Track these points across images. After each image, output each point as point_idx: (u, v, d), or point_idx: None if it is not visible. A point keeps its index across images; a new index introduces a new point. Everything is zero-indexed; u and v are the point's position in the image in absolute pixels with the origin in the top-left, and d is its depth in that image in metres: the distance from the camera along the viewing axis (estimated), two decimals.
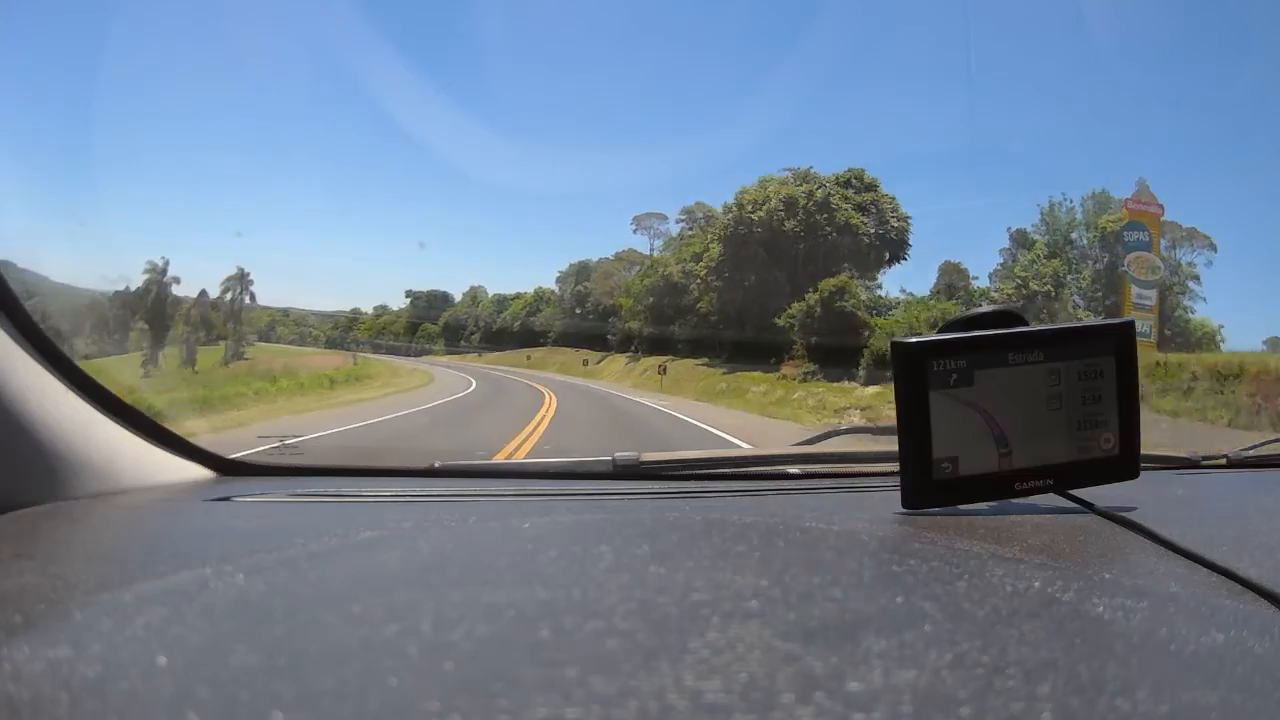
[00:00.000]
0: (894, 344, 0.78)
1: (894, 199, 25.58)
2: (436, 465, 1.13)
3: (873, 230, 24.64)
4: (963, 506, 0.80)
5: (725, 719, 0.28)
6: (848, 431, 1.43)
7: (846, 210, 24.52)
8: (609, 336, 35.17)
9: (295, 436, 1.35)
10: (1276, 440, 1.28)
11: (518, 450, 7.30)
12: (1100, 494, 0.83)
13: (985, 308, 0.82)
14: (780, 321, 22.47)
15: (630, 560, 0.48)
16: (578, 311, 40.45)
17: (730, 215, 26.30)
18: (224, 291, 38.13)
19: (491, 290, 50.54)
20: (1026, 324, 0.81)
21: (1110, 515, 0.79)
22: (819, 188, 25.15)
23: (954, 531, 0.72)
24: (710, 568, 0.47)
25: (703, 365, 25.33)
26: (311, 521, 0.86)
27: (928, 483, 0.78)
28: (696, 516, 0.79)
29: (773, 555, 0.53)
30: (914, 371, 0.77)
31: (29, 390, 0.84)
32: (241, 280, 38.58)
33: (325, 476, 1.12)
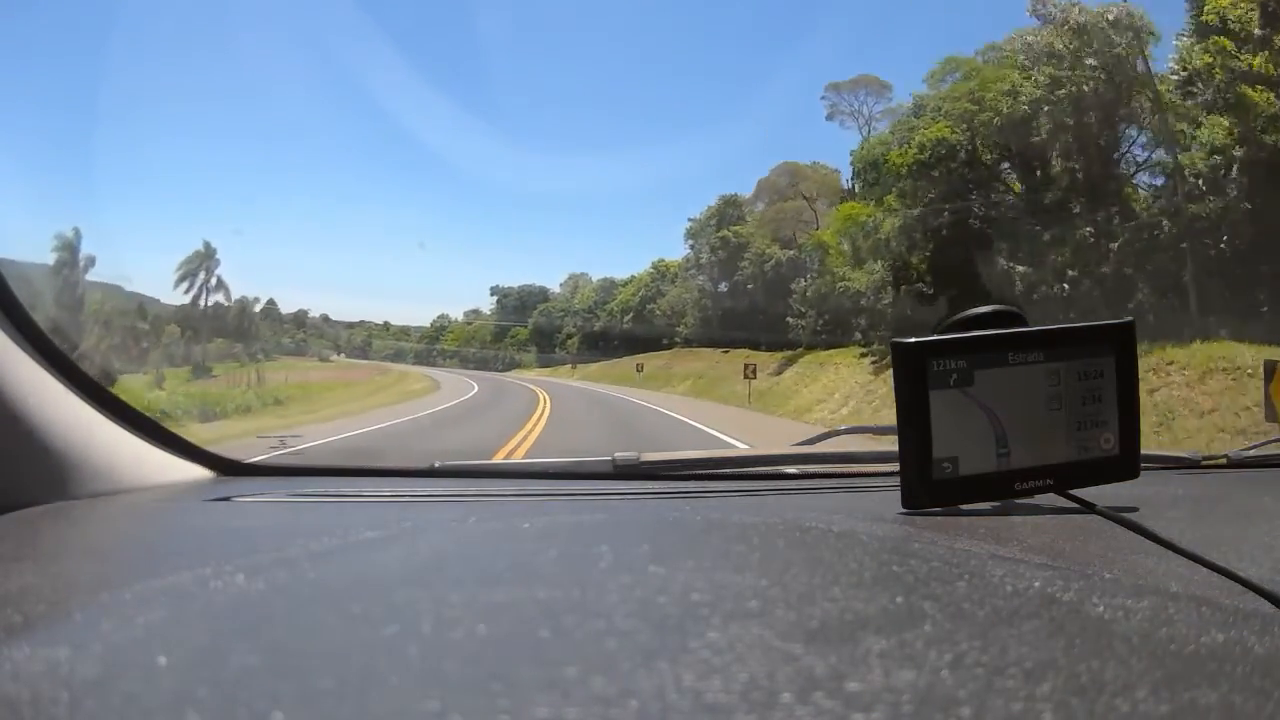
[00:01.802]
0: (893, 344, 0.78)
1: None
2: (436, 465, 1.13)
3: None
4: (963, 506, 0.81)
5: (725, 719, 0.28)
6: (848, 432, 1.43)
7: None
8: (792, 319, 18.42)
9: (295, 437, 1.35)
10: (1276, 440, 1.28)
11: (515, 451, 7.27)
12: (1100, 494, 0.83)
13: (985, 307, 0.83)
14: None
15: (630, 560, 0.48)
16: (723, 287, 22.95)
17: None
18: (181, 280, 24.57)
19: (596, 277, 36.44)
20: (1026, 323, 0.81)
21: (1110, 515, 0.79)
22: None
23: (954, 531, 0.72)
24: (710, 568, 0.47)
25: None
26: (311, 521, 0.86)
27: (928, 483, 0.78)
28: (696, 517, 0.79)
29: (773, 555, 0.53)
30: (914, 371, 0.77)
31: (29, 390, 0.84)
32: (206, 261, 24.44)
33: (325, 477, 1.12)
